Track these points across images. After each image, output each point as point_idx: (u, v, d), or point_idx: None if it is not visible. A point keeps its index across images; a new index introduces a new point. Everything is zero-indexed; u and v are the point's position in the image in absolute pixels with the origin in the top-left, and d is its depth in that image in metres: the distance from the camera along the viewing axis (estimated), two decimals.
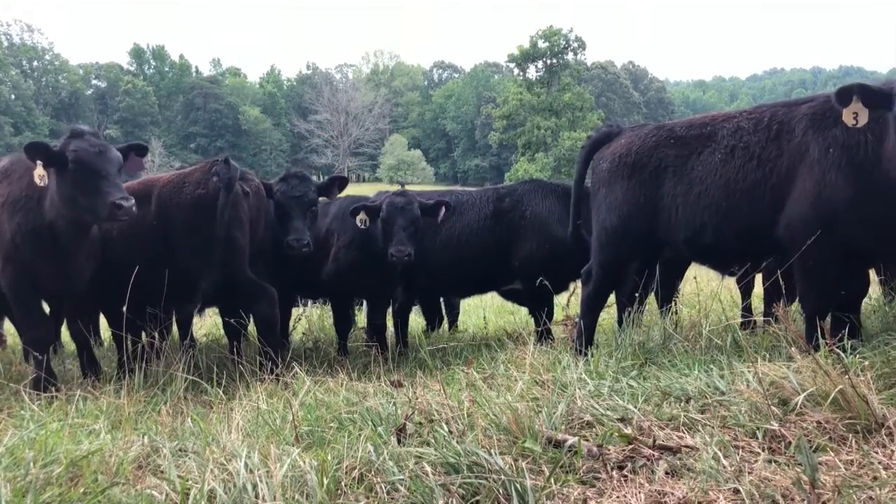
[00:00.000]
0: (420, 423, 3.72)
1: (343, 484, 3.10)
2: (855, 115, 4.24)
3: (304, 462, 3.15)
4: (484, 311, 9.94)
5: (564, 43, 77.25)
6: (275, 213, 6.88)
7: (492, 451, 3.13)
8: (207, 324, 9.85)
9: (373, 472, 3.15)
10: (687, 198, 5.18)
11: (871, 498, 2.68)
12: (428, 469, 3.07)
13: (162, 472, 3.44)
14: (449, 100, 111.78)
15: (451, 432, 3.48)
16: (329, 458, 3.25)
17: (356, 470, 3.18)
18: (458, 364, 5.79)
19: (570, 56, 78.29)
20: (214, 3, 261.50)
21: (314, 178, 8.00)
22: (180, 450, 3.75)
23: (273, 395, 5.04)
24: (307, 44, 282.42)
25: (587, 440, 3.37)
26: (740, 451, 3.19)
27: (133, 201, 5.51)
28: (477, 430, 3.44)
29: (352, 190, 8.20)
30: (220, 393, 5.09)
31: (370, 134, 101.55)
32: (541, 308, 7.35)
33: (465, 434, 3.44)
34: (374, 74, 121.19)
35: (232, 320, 6.69)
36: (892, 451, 3.06)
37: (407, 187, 10.84)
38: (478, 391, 4.11)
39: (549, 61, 77.40)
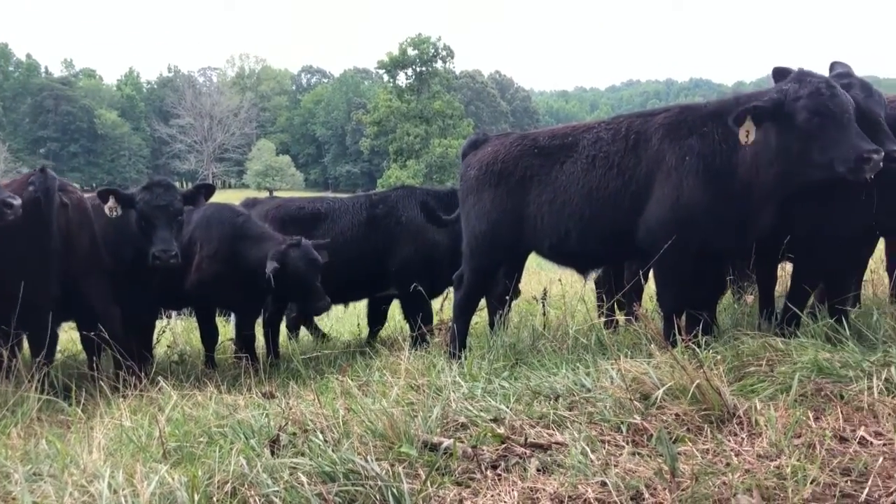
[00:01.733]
0: (294, 434, 3.67)
1: (215, 499, 3.00)
2: (747, 132, 4.55)
3: (173, 479, 3.03)
4: (358, 318, 9.89)
5: (433, 51, 78.12)
6: (137, 224, 6.56)
7: (368, 457, 3.13)
8: (63, 339, 9.27)
9: (246, 486, 3.07)
10: (552, 206, 5.37)
11: (724, 483, 2.87)
12: (303, 479, 3.03)
13: (14, 498, 3.21)
14: (318, 105, 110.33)
15: (326, 441, 3.45)
16: (199, 473, 3.15)
17: (228, 484, 3.09)
18: (332, 372, 5.74)
19: (438, 64, 79.24)
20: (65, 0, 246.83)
21: (177, 184, 7.70)
22: (34, 474, 3.52)
23: (137, 410, 4.83)
24: (168, 45, 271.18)
25: (462, 442, 3.43)
26: (606, 445, 3.34)
27: (20, 201, 5.30)
28: (353, 437, 3.43)
29: (218, 196, 7.97)
30: (79, 412, 4.82)
31: (236, 139, 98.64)
32: (416, 313, 7.41)
33: (341, 442, 3.42)
34: (240, 78, 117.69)
35: (91, 334, 6.34)
36: (743, 438, 3.29)
37: (276, 193, 10.61)
38: (353, 399, 4.09)
39: (418, 69, 78.04)
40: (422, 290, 6.81)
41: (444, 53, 79.23)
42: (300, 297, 7.11)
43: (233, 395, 5.05)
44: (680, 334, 4.20)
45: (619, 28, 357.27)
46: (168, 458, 3.63)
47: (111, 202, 6.48)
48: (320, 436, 3.51)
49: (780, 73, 4.87)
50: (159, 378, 5.60)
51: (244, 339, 7.45)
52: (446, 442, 3.37)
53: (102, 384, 5.46)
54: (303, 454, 3.35)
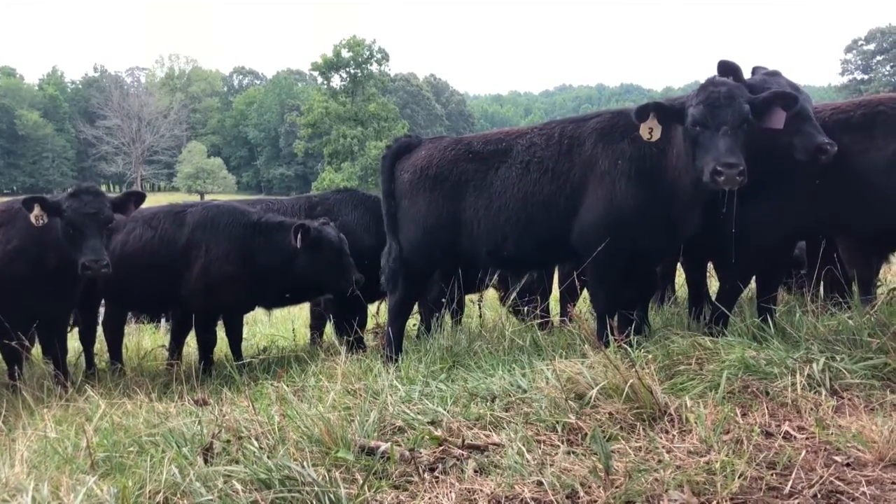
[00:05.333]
0: (228, 441, 3.60)
1: None
2: (650, 129, 4.63)
3: (102, 490, 2.96)
4: (293, 322, 9.77)
5: (368, 53, 77.76)
6: (64, 232, 6.29)
7: (304, 463, 3.10)
8: None
9: (178, 495, 3.01)
10: (488, 211, 5.41)
11: (656, 479, 2.94)
12: (238, 487, 2.98)
13: None
14: (251, 107, 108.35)
15: (261, 448, 3.40)
16: (130, 483, 3.07)
17: (160, 494, 3.03)
18: (266, 378, 5.66)
19: (373, 67, 78.91)
20: None
21: (104, 188, 7.46)
22: None
23: (63, 421, 4.67)
24: (94, 44, 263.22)
25: (399, 445, 3.42)
26: (542, 445, 3.38)
27: None
28: (289, 443, 3.39)
29: (148, 200, 7.74)
30: None
31: (166, 141, 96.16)
32: (352, 317, 7.36)
33: (277, 448, 3.38)
34: (170, 79, 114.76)
35: (13, 343, 6.09)
36: (674, 435, 3.38)
37: (207, 196, 10.40)
38: (288, 404, 4.05)
39: (353, 71, 77.56)
40: (359, 293, 6.77)
41: (378, 56, 78.94)
42: (336, 275, 6.97)
43: (164, 402, 4.92)
44: (613, 334, 4.28)
45: (552, 33, 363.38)
46: (96, 469, 3.53)
47: (37, 210, 6.22)
48: (255, 442, 3.46)
49: (724, 68, 4.93)
50: (86, 387, 5.44)
51: (204, 343, 7.28)
52: (383, 446, 3.36)
53: (25, 394, 5.27)
54: (237, 461, 3.30)
